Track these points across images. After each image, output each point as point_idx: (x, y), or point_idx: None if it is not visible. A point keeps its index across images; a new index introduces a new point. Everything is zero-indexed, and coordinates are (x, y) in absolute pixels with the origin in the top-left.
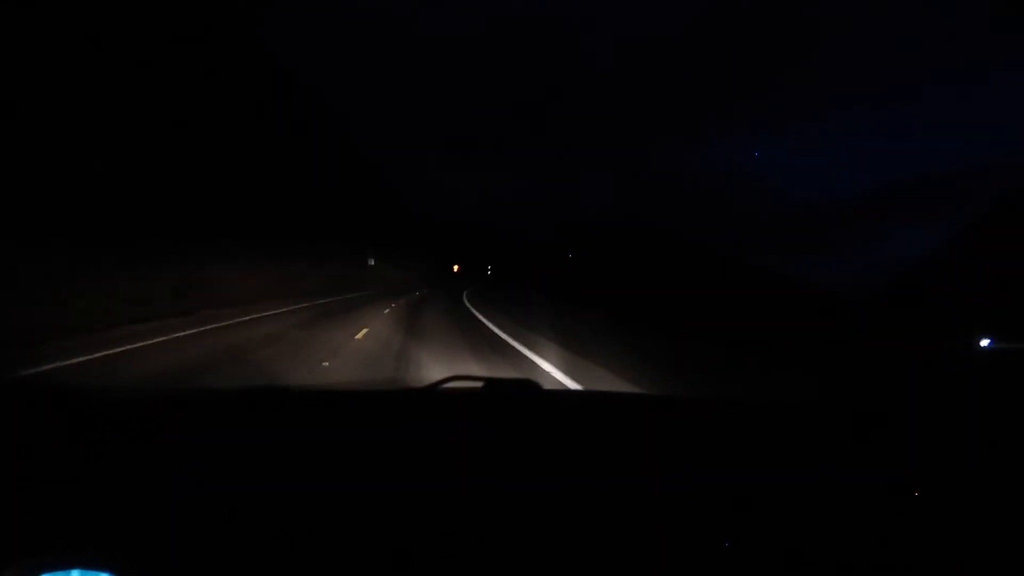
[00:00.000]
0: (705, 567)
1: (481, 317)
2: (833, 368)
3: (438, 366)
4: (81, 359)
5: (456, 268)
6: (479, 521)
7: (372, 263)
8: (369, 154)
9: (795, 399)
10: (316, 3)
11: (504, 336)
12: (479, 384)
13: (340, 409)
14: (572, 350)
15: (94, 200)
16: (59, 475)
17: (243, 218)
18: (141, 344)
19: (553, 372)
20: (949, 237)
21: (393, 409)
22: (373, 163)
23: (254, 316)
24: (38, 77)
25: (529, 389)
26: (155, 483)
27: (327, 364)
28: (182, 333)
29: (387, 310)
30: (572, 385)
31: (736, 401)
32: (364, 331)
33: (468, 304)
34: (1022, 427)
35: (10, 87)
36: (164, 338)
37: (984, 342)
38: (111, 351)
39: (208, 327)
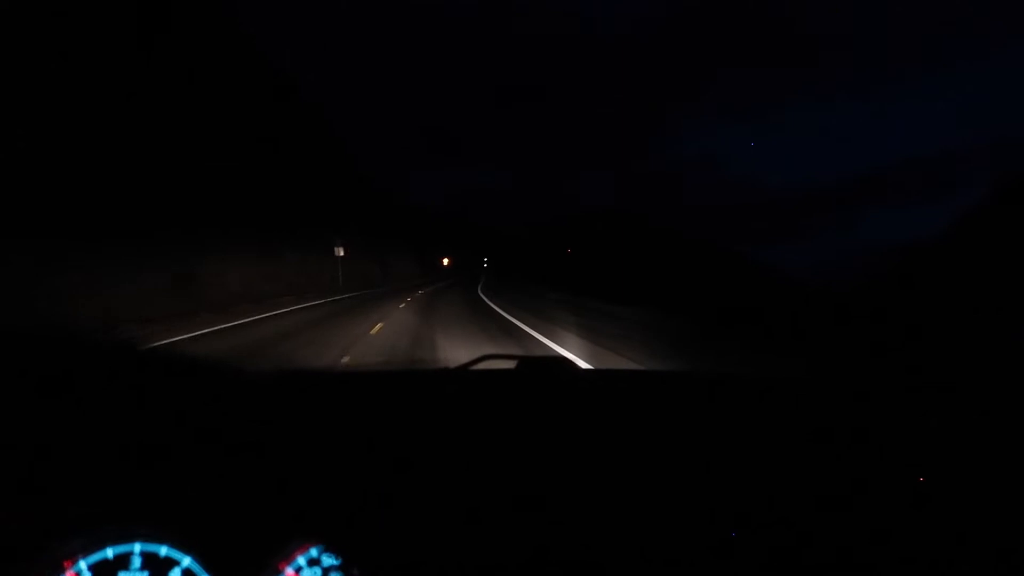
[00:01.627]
0: (713, 551)
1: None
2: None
3: None
4: None
5: (446, 262)
6: (514, 495)
7: (340, 253)
8: (351, 146)
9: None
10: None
11: None
12: (512, 364)
13: (387, 388)
14: None
15: None
16: (125, 452)
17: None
18: None
19: None
20: (947, 222)
21: (433, 388)
22: (351, 154)
23: None
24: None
25: (561, 367)
26: (213, 460)
27: None
28: None
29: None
30: None
31: (778, 379)
32: None
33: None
34: None
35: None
36: None
37: None
38: None
39: None
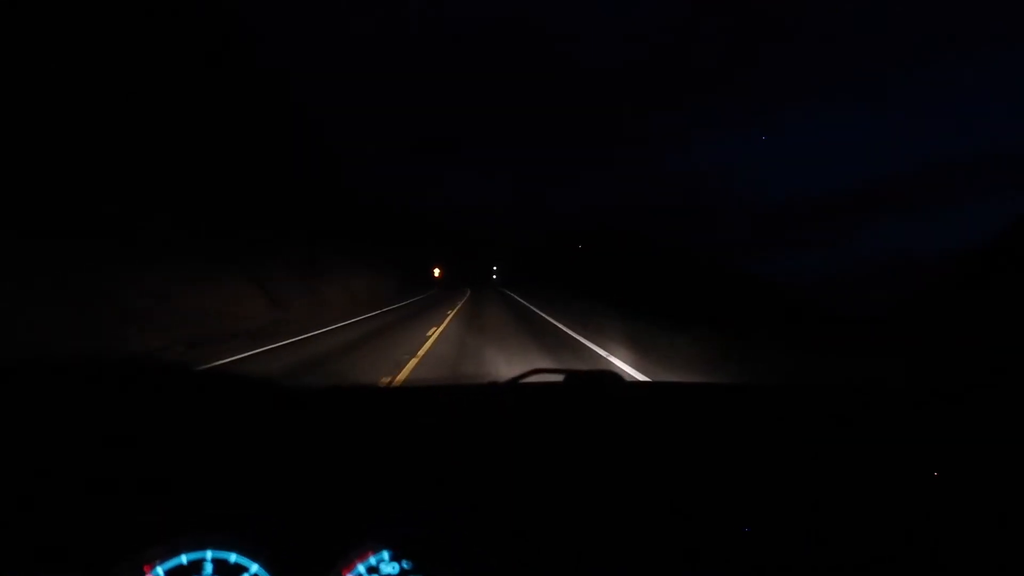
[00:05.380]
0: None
1: None
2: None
3: None
4: None
5: (438, 273)
6: (567, 509)
7: None
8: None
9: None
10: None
11: None
12: (561, 377)
13: (440, 401)
14: None
15: None
16: (197, 463)
17: None
18: None
19: None
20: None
21: (484, 402)
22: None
23: None
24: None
25: (610, 381)
26: (282, 469)
27: None
28: None
29: None
30: None
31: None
32: None
33: None
34: None
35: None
36: None
37: None
38: None
39: None
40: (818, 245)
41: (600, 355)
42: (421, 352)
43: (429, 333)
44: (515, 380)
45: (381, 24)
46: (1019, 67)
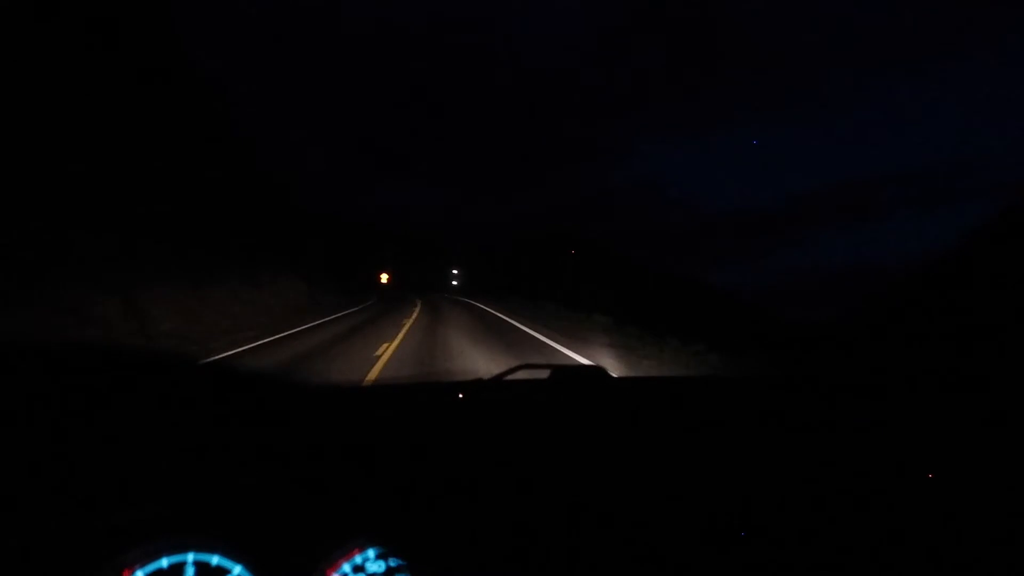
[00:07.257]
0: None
1: None
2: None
3: None
4: None
5: (385, 279)
6: (558, 504)
7: None
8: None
9: None
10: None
11: None
12: (546, 373)
13: (428, 399)
14: None
15: None
16: (177, 462)
17: None
18: None
19: None
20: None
21: (470, 399)
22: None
23: None
24: None
25: (596, 376)
26: (265, 469)
27: None
28: None
29: None
30: None
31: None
32: None
33: None
34: None
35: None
36: None
37: None
38: None
39: None
40: (762, 254)
41: None
42: None
43: None
44: (501, 376)
45: (320, 24)
46: (965, 81)
